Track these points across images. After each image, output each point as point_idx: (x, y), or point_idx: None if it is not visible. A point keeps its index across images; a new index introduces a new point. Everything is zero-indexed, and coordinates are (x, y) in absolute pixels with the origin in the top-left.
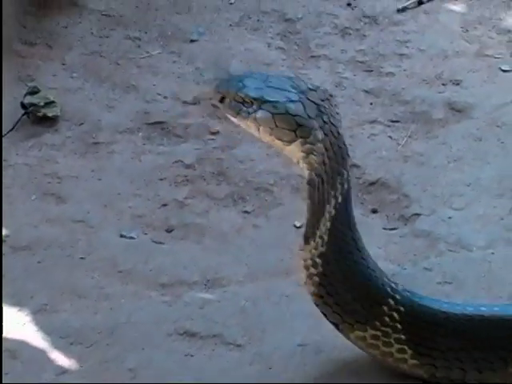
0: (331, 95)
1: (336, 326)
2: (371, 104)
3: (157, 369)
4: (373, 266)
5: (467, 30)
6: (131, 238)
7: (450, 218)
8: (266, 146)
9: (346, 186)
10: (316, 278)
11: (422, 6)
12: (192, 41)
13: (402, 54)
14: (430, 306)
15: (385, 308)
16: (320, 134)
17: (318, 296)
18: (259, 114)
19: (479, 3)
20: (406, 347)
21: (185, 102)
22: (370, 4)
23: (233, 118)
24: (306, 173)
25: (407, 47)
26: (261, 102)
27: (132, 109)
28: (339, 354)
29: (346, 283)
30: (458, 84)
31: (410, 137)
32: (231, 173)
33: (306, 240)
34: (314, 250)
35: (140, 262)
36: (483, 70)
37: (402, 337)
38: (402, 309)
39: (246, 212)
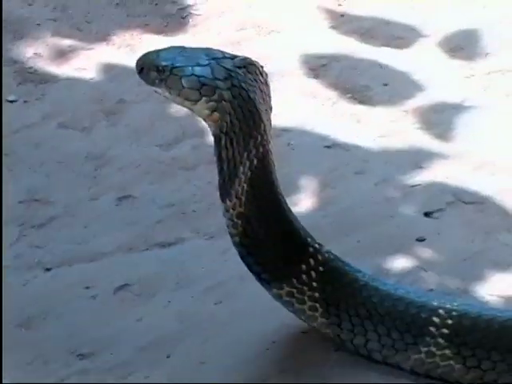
0: (253, 64)
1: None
2: None
3: None
4: (297, 225)
5: None
6: None
7: None
8: None
9: (261, 149)
10: (237, 238)
11: None
12: None
13: None
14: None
15: (303, 266)
16: (226, 95)
17: (241, 255)
18: (169, 78)
19: None
20: (318, 305)
21: None
22: None
23: (151, 87)
24: (211, 130)
25: None
26: (171, 68)
27: None
28: None
29: (268, 243)
30: None
31: None
32: None
33: (222, 198)
34: (231, 210)
35: None
36: None
37: (316, 294)
38: (321, 268)
39: None
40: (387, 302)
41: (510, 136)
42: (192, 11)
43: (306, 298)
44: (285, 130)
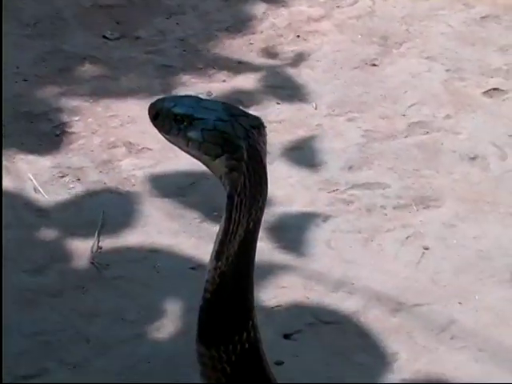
0: (263, 125)
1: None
2: None
3: None
4: (251, 296)
5: None
6: None
7: None
8: None
9: (258, 213)
10: (207, 295)
11: None
12: None
13: None
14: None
15: (236, 337)
16: (245, 155)
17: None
18: (189, 129)
19: None
20: (224, 381)
21: None
22: None
23: (164, 135)
24: (227, 189)
25: None
26: (191, 119)
27: None
28: None
29: (228, 306)
30: None
31: None
32: None
33: (216, 257)
34: (218, 269)
35: None
36: None
37: (228, 369)
38: (246, 345)
39: None
40: None
41: (368, 253)
42: (66, 129)
43: (219, 368)
44: (151, 252)
